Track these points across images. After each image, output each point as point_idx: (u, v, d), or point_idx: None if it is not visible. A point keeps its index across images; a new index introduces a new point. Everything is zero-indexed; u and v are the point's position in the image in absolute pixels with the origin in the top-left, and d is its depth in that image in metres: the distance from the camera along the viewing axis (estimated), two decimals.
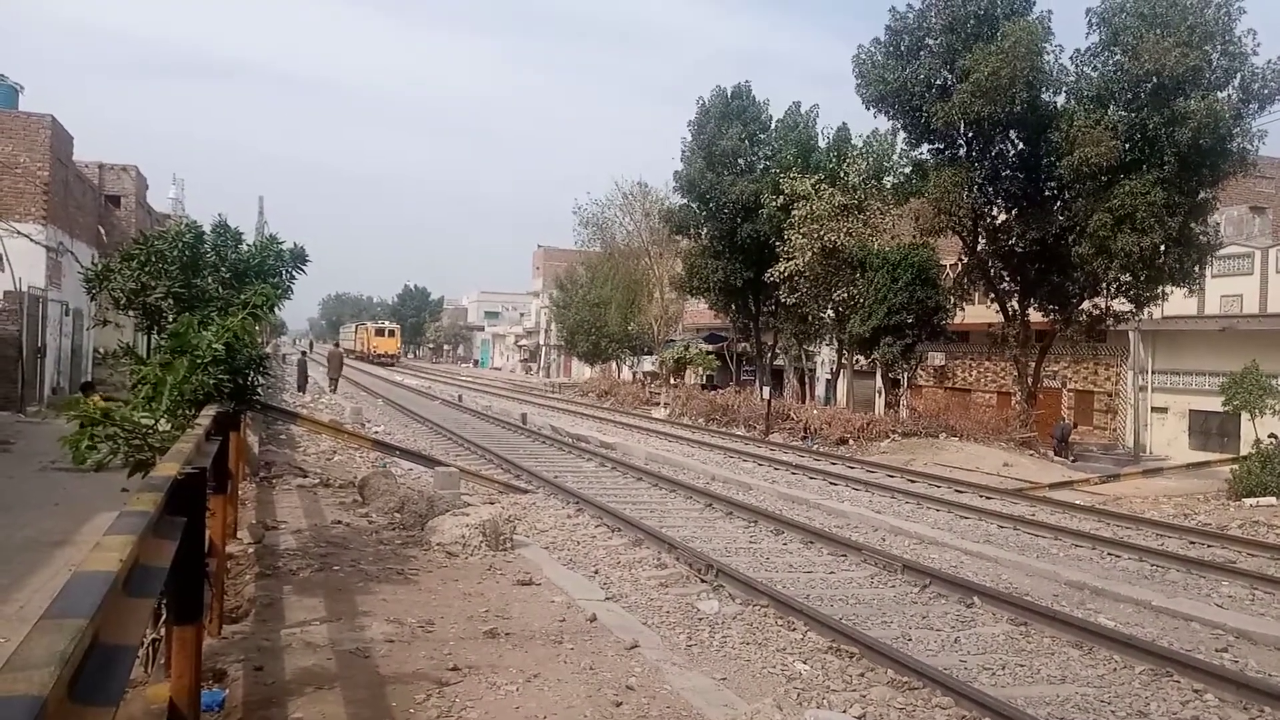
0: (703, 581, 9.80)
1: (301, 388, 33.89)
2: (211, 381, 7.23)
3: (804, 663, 7.41)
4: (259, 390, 9.29)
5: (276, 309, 8.93)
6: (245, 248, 9.84)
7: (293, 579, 7.85)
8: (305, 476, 13.78)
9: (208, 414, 6.48)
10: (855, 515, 14.71)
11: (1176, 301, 29.21)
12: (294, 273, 9.75)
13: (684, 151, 37.64)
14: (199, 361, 6.98)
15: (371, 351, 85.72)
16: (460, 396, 38.13)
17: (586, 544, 11.47)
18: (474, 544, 9.16)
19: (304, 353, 46.98)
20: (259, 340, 9.97)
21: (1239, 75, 23.06)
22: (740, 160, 36.09)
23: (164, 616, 4.40)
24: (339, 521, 10.53)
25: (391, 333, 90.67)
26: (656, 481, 17.23)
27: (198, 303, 8.94)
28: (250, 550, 8.67)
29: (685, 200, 38.37)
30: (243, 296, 8.24)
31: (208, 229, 10.05)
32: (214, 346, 6.85)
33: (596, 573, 9.96)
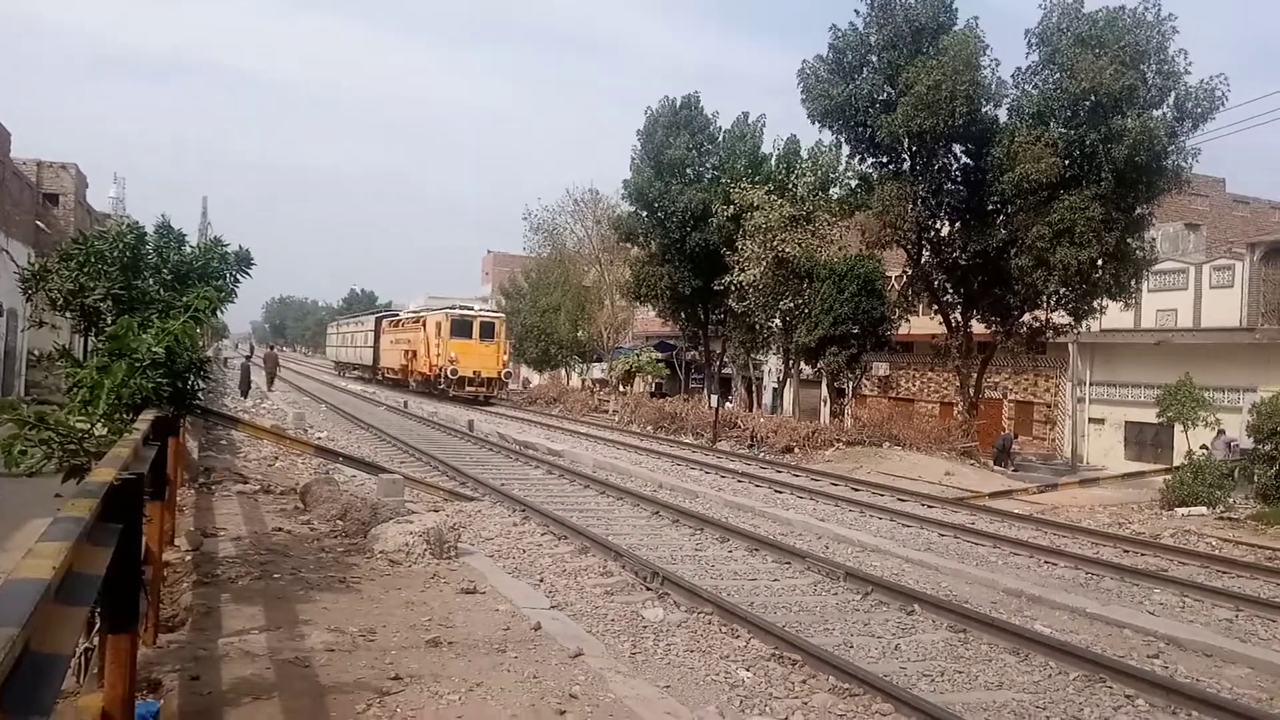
0: (648, 589, 9.82)
1: (244, 392, 33.38)
2: (150, 385, 7.13)
3: (747, 670, 7.46)
4: (199, 395, 9.16)
5: (219, 312, 8.83)
6: (189, 249, 9.71)
7: (231, 587, 7.73)
8: (246, 483, 13.56)
9: (146, 418, 6.37)
10: (800, 523, 14.83)
11: (1113, 315, 29.93)
12: (238, 276, 9.64)
13: (633, 160, 37.80)
14: (138, 365, 6.88)
15: (440, 371, 41.81)
16: (406, 403, 37.75)
17: (532, 552, 11.44)
18: (417, 552, 9.09)
19: (247, 357, 46.36)
20: (200, 344, 9.81)
21: (1173, 94, 23.75)
22: (688, 170, 36.33)
23: (98, 625, 4.32)
24: (280, 529, 10.38)
25: (489, 330, 43.83)
26: (604, 489, 17.22)
27: (138, 305, 8.81)
28: (188, 558, 8.51)
29: (634, 209, 38.50)
30: (185, 299, 8.13)
31: (150, 229, 9.90)
32: (154, 350, 6.75)
33: (542, 581, 9.93)
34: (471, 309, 45.69)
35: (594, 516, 14.30)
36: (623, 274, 44.94)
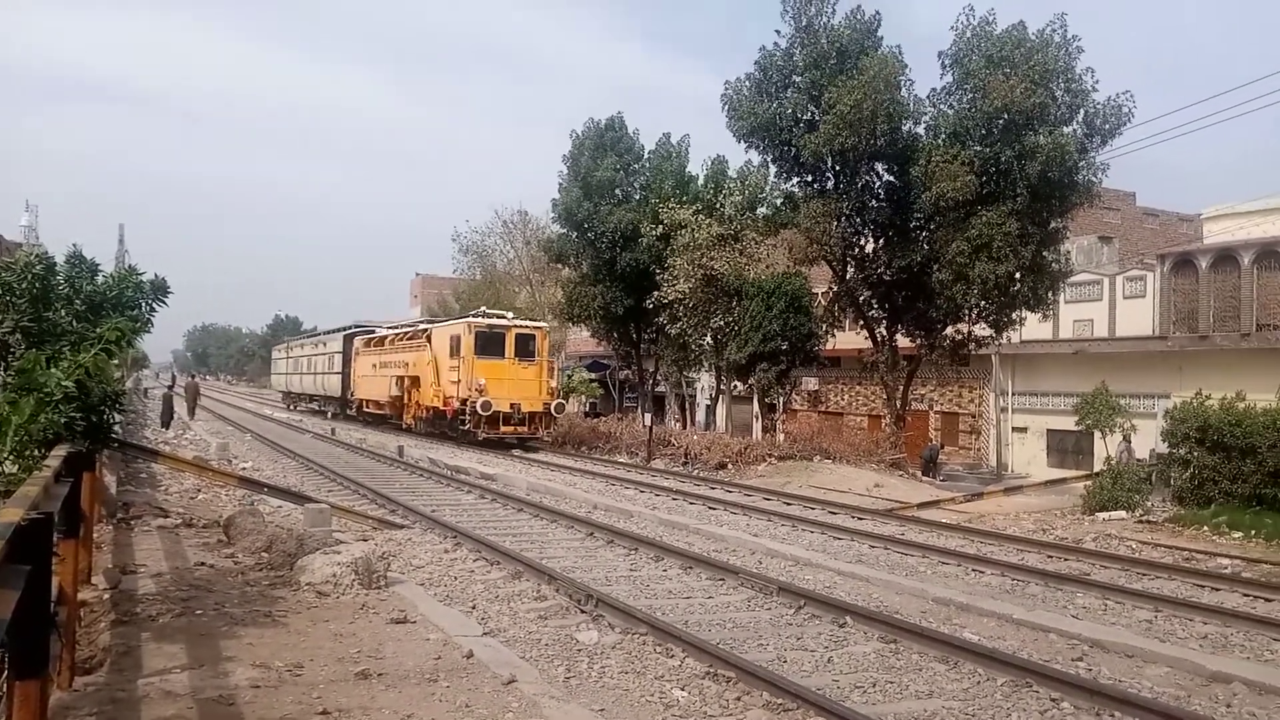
0: (582, 612, 9.77)
1: (166, 423, 32.50)
2: (62, 420, 6.94)
3: (682, 689, 7.45)
4: (116, 428, 8.91)
5: (133, 343, 8.62)
6: (102, 279, 9.47)
7: (152, 625, 7.51)
8: (167, 517, 13.21)
9: (58, 454, 6.19)
10: (734, 539, 14.91)
11: (1033, 326, 30.75)
12: (154, 305, 9.42)
13: (560, 181, 37.88)
14: (48, 399, 6.68)
15: (463, 404, 30.95)
16: (334, 430, 37.13)
17: (464, 579, 11.31)
18: (346, 583, 8.94)
19: (169, 387, 45.15)
20: (116, 375, 9.56)
21: (1082, 111, 24.52)
22: (617, 190, 36.49)
23: (4, 671, 4.16)
24: (202, 563, 10.13)
25: (528, 345, 32.53)
26: (537, 512, 17.11)
27: (49, 337, 8.57)
28: (106, 596, 8.25)
29: (564, 230, 38.56)
30: (98, 330, 7.92)
31: (61, 259, 9.64)
32: (63, 384, 6.56)
33: (474, 608, 9.82)
34: (505, 317, 33.40)
35: (527, 540, 14.20)
36: (554, 295, 44.91)
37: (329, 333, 54.34)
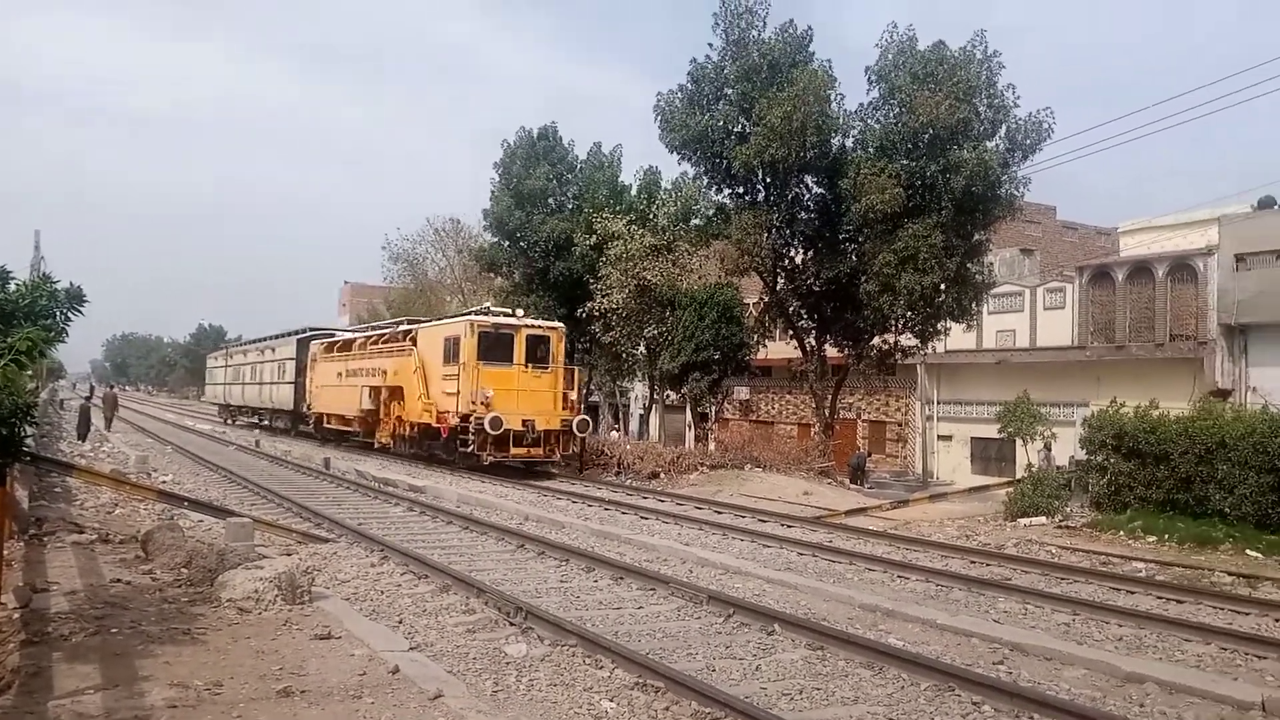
0: (511, 624, 9.70)
1: (83, 436, 31.49)
2: None
3: (611, 700, 7.44)
4: (28, 441, 8.64)
5: (47, 353, 8.37)
6: (13, 287, 9.17)
7: (64, 645, 7.28)
8: (82, 532, 12.81)
9: None
10: (665, 548, 14.93)
11: (957, 336, 31.44)
12: (69, 314, 9.15)
13: (492, 190, 37.73)
14: None
15: (467, 420, 25.33)
16: (258, 441, 36.36)
17: (391, 593, 11.16)
18: (268, 598, 8.76)
19: (86, 398, 43.80)
20: (30, 386, 9.26)
21: (1004, 126, 25.22)
22: (549, 200, 36.47)
23: None
24: (119, 580, 9.85)
25: (541, 348, 26.84)
26: (467, 524, 16.96)
27: None
28: (16, 615, 7.99)
29: (495, 239, 38.40)
30: (9, 340, 7.68)
31: None
32: None
33: (401, 622, 9.68)
34: (514, 315, 27.45)
35: (456, 553, 14.07)
36: (487, 304, 44.63)
37: (279, 336, 46.57)
